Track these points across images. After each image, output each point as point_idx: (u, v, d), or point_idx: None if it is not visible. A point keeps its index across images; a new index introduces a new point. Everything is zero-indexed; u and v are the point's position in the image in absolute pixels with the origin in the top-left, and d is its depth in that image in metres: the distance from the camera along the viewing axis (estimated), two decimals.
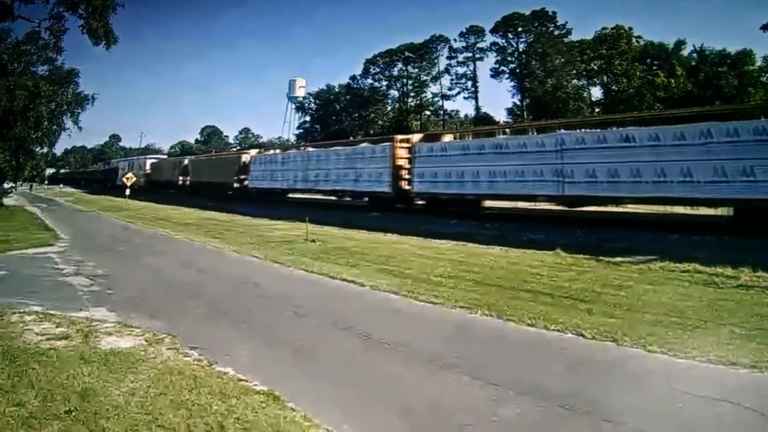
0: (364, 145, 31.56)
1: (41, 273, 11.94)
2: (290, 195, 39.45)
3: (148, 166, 64.53)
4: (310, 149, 37.46)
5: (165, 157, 77.89)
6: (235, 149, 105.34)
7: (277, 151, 45.73)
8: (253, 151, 45.65)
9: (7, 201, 34.92)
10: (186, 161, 57.91)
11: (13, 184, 37.72)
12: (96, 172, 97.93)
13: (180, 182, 55.72)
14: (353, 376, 6.03)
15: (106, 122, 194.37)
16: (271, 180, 39.07)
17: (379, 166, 28.54)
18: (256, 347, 7.12)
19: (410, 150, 27.08)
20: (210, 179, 48.41)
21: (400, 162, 27.63)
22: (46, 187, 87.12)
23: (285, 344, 7.24)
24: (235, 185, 43.76)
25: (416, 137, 29.21)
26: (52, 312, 8.28)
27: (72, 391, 5.17)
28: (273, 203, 36.78)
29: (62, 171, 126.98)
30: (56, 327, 7.48)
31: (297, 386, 5.65)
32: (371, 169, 29.06)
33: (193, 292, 10.49)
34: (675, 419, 4.83)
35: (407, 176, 27.16)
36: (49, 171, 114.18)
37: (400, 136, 29.35)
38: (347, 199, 32.53)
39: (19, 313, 8.15)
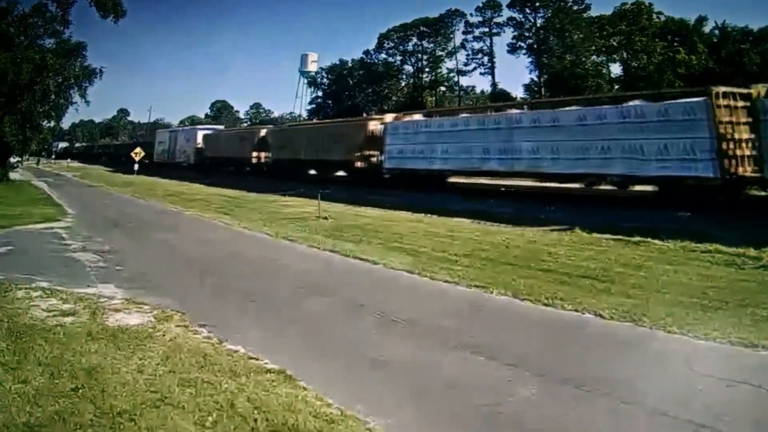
0: (642, 104, 18.86)
1: (48, 249, 11.94)
2: (453, 179, 27.29)
3: (199, 139, 52.42)
4: (514, 111, 24.84)
5: (221, 127, 64.29)
6: (245, 125, 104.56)
7: (436, 117, 30.05)
8: (389, 117, 31.19)
9: (13, 175, 35.09)
10: (263, 132, 44.73)
11: (20, 159, 37.73)
12: (123, 146, 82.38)
13: (254, 160, 43.73)
14: (367, 355, 5.92)
15: (114, 96, 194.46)
16: (427, 157, 26.23)
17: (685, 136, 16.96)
18: (267, 325, 7.05)
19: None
20: (310, 156, 36.14)
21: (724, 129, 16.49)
22: (53, 161, 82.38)
23: (296, 322, 7.17)
24: (358, 164, 31.63)
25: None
26: (59, 288, 8.22)
27: (79, 368, 5.11)
28: (429, 192, 24.83)
29: (78, 144, 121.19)
30: (63, 303, 7.42)
31: (309, 365, 5.56)
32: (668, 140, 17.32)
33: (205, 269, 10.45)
34: (695, 401, 4.67)
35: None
36: (62, 145, 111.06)
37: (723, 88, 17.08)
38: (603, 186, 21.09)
39: (26, 289, 8.10)
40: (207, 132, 54.17)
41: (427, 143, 26.33)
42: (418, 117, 30.40)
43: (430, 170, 26.23)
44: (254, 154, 43.52)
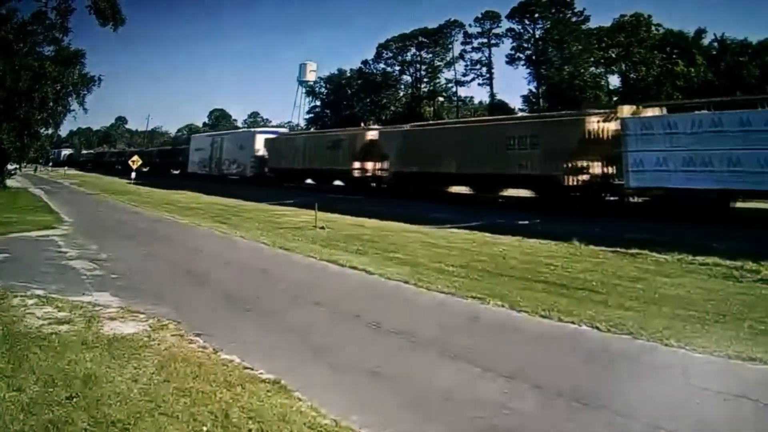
0: None
1: (44, 256, 11.87)
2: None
3: (259, 145, 41.77)
4: None
5: (284, 130, 52.35)
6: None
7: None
8: (626, 109, 20.72)
9: (10, 183, 35.02)
10: (372, 135, 31.93)
11: (17, 166, 37.66)
12: (147, 153, 70.56)
13: (357, 173, 31.91)
14: (362, 365, 5.89)
15: (111, 104, 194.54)
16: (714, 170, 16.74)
17: None
18: (263, 335, 7.01)
19: None
20: (471, 167, 24.76)
21: None
22: (50, 169, 79.00)
23: (292, 332, 7.14)
24: (572, 180, 21.33)
25: None
26: (54, 296, 8.18)
27: (74, 376, 5.07)
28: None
29: (86, 152, 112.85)
30: (58, 311, 7.37)
31: (304, 375, 5.52)
32: None
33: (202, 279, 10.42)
34: (692, 415, 4.67)
35: None
36: (65, 152, 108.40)
37: None
38: None
39: (21, 296, 8.04)
40: (271, 136, 42.87)
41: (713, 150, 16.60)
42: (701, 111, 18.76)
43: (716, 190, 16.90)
44: (356, 164, 31.93)
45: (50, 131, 35.80)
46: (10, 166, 35.22)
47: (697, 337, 6.54)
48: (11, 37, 28.64)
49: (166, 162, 61.97)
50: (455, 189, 27.53)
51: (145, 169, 60.98)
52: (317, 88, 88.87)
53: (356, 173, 32.08)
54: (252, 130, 51.63)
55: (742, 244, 11.86)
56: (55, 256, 11.91)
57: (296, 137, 41.33)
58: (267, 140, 41.63)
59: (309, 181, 37.15)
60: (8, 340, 6.03)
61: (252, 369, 5.59)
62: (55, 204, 25.22)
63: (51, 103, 30.62)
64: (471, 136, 25.73)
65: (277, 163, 39.64)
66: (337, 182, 35.05)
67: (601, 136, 20.56)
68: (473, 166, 24.55)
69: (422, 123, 38.55)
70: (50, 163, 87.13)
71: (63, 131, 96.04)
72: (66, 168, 78.76)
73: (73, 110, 33.14)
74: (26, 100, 28.46)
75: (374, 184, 31.59)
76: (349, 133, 35.04)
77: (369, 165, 32.12)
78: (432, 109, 73.53)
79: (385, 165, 30.98)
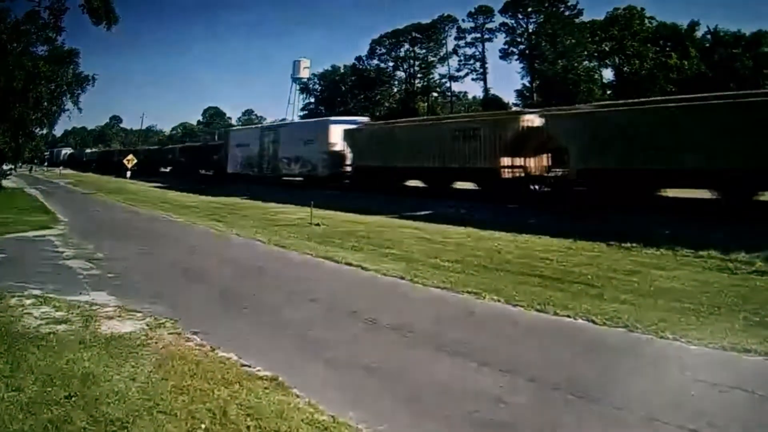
0: None
1: (40, 256, 11.85)
2: None
3: (336, 137, 32.57)
4: None
5: (365, 119, 38.28)
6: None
7: None
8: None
9: (6, 183, 34.86)
10: (532, 120, 22.76)
11: (12, 166, 37.45)
12: (167, 151, 63.42)
13: (508, 172, 23.12)
14: (359, 361, 5.91)
15: (106, 103, 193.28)
16: None
17: None
18: (260, 332, 7.03)
19: None
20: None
21: None
22: (45, 169, 76.18)
23: (289, 329, 7.15)
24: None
25: None
26: (51, 296, 8.17)
27: (72, 376, 5.08)
28: None
29: (90, 150, 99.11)
30: (56, 311, 7.37)
31: (301, 372, 5.54)
32: None
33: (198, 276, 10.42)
34: (687, 407, 4.70)
35: None
36: (65, 151, 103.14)
37: None
38: None
39: (18, 296, 8.04)
40: (351, 126, 32.84)
41: None
42: None
43: None
44: (505, 161, 23.01)
45: (45, 131, 35.56)
46: (5, 167, 35.06)
47: (692, 329, 6.58)
48: (5, 37, 28.42)
49: (194, 161, 52.50)
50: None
51: (164, 170, 57.36)
52: (311, 85, 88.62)
53: (508, 173, 23.07)
54: (325, 119, 40.22)
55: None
56: (52, 256, 11.89)
57: (395, 126, 30.92)
58: (348, 132, 31.76)
59: (413, 183, 28.31)
60: (6, 340, 6.03)
61: (249, 366, 5.60)
62: (51, 204, 25.16)
63: (45, 103, 30.42)
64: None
65: (364, 159, 30.02)
66: (464, 184, 26.14)
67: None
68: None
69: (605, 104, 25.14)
70: (45, 163, 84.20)
71: (57, 131, 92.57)
72: (61, 168, 75.56)
73: (68, 110, 32.88)
74: (20, 99, 28.30)
75: (535, 188, 23.15)
76: (494, 118, 25.79)
77: (533, 162, 23.56)
78: (426, 104, 73.50)
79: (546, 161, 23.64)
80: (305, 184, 33.88)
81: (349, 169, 31.75)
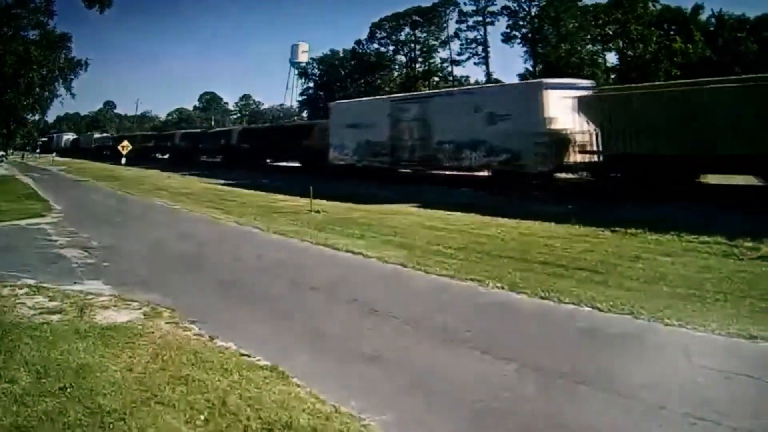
0: None
1: (34, 245, 11.79)
2: None
3: (555, 110, 19.59)
4: None
5: (590, 83, 23.98)
6: (235, 116, 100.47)
7: None
8: None
9: None
10: None
11: (3, 153, 37.29)
12: (219, 134, 49.54)
13: None
14: (360, 350, 5.85)
15: (99, 89, 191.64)
16: None
17: None
18: (259, 321, 6.98)
19: None
20: None
21: None
22: (37, 156, 70.10)
23: (289, 318, 7.11)
24: None
25: None
26: (45, 285, 8.12)
27: (67, 367, 5.02)
28: None
29: (98, 135, 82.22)
30: (50, 301, 7.33)
31: (302, 362, 5.48)
32: None
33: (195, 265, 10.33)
34: (694, 394, 4.63)
35: None
36: (66, 137, 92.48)
37: None
38: None
39: (11, 286, 7.99)
40: (584, 93, 19.91)
41: None
42: None
43: None
44: None
45: (37, 117, 35.46)
46: None
47: (697, 315, 6.50)
48: None
49: (258, 146, 40.48)
50: None
51: (215, 159, 46.40)
52: (310, 70, 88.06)
53: None
54: (535, 81, 28.13)
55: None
56: (45, 245, 11.83)
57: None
58: (583, 100, 19.12)
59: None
60: None
61: (249, 356, 5.55)
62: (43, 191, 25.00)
63: (37, 89, 30.38)
64: None
65: (632, 143, 17.27)
66: None
67: None
68: None
69: None
70: (38, 150, 77.75)
71: (50, 117, 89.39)
72: (54, 155, 66.05)
73: (60, 95, 32.82)
74: (12, 85, 28.17)
75: None
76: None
77: None
78: (427, 89, 73.10)
79: None
80: (493, 184, 22.08)
81: (584, 159, 19.68)
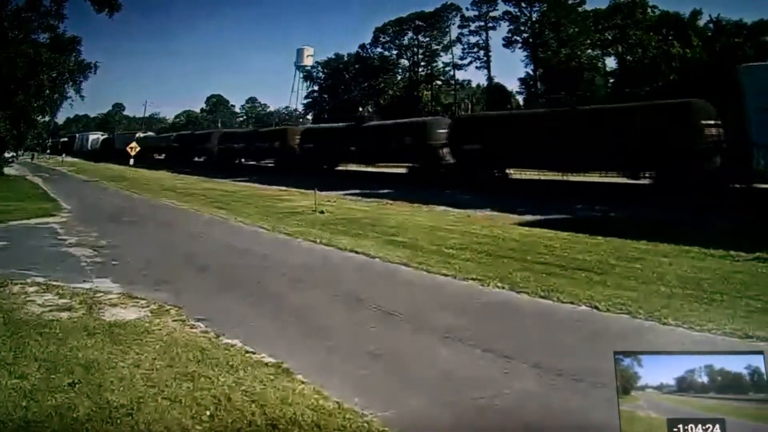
0: None
1: (43, 243, 11.88)
2: None
3: None
4: None
5: None
6: (242, 119, 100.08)
7: None
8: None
9: (8, 170, 34.78)
10: None
11: (15, 154, 37.38)
12: (313, 131, 40.90)
13: None
14: (364, 348, 5.92)
15: (108, 91, 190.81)
16: None
17: None
18: (265, 319, 7.04)
19: None
20: None
21: None
22: (47, 156, 70.18)
23: (293, 317, 7.16)
24: None
25: None
26: (54, 283, 8.19)
27: (76, 363, 5.08)
28: None
29: (141, 135, 63.18)
30: (59, 298, 7.40)
31: (306, 359, 5.54)
32: None
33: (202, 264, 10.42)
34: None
35: None
36: (93, 137, 79.73)
37: None
38: None
39: (21, 284, 8.07)
40: None
41: None
42: None
43: None
44: None
45: (47, 119, 35.57)
46: (7, 155, 35.04)
47: (694, 315, 6.56)
48: (6, 24, 28.38)
49: (330, 148, 34.56)
50: None
51: (264, 162, 40.84)
52: (315, 73, 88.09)
53: None
54: None
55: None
56: (55, 243, 11.91)
57: None
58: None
59: None
60: (9, 327, 6.04)
61: (254, 353, 5.61)
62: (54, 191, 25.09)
63: (47, 91, 30.46)
64: None
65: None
66: None
67: None
68: None
69: None
70: (48, 151, 76.58)
71: (60, 119, 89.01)
72: (63, 155, 62.10)
73: (70, 97, 32.91)
74: (22, 87, 28.29)
75: None
76: None
77: None
78: (430, 93, 73.18)
79: None
80: None
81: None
